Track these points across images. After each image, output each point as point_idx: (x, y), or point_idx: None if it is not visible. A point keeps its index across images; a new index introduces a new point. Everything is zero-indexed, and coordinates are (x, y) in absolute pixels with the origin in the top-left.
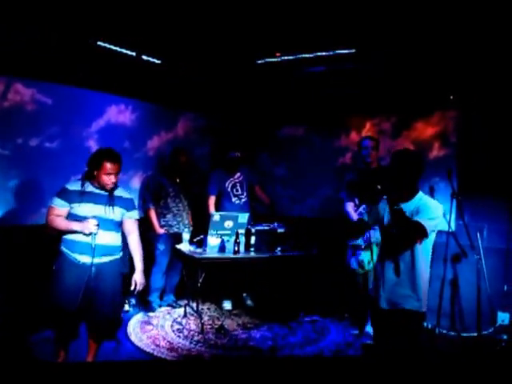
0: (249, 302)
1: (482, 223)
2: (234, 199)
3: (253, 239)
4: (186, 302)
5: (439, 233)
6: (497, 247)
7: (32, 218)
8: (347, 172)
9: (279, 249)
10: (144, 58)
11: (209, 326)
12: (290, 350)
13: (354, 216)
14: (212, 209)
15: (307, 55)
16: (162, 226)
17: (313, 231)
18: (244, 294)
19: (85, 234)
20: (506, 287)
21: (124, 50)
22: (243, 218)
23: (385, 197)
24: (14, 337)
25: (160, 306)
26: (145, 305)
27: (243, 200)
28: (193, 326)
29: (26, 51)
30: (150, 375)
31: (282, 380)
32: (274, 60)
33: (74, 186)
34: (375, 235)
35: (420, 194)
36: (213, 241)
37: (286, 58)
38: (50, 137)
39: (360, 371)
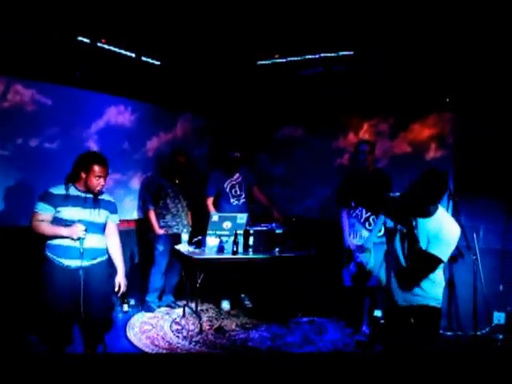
0: (247, 303)
1: (479, 224)
2: (232, 200)
3: (251, 240)
4: (184, 302)
5: None
6: (493, 248)
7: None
8: (344, 178)
9: (277, 249)
10: (143, 59)
11: (207, 327)
12: (288, 349)
13: (347, 227)
14: (212, 209)
15: (306, 57)
16: (161, 227)
17: (311, 232)
18: (242, 295)
19: (72, 239)
20: (501, 287)
21: (123, 51)
22: (242, 218)
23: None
24: (11, 336)
25: (159, 307)
26: (144, 305)
27: (242, 201)
28: (192, 327)
29: (25, 52)
30: (148, 369)
31: (280, 376)
32: (272, 61)
33: (58, 189)
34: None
35: (439, 211)
36: (211, 241)
37: (284, 59)
38: (50, 137)
39: (357, 368)
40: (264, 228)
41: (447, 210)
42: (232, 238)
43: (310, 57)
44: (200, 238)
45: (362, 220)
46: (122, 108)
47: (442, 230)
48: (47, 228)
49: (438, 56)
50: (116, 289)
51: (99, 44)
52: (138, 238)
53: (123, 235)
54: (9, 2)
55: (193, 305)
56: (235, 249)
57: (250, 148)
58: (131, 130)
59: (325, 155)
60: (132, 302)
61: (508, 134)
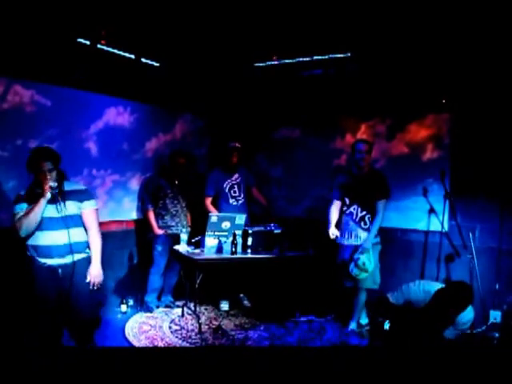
0: (245, 303)
1: (474, 223)
2: (231, 200)
3: (250, 240)
4: (183, 302)
5: (432, 233)
6: (488, 247)
7: None
8: (340, 174)
9: (276, 250)
10: (143, 60)
11: (206, 327)
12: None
13: (333, 218)
14: (211, 208)
15: (303, 59)
16: (160, 227)
17: (309, 232)
18: (241, 295)
19: (51, 204)
20: (497, 286)
21: (123, 53)
22: (240, 219)
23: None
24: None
25: (158, 307)
26: (143, 305)
27: (240, 201)
28: (190, 327)
29: (25, 52)
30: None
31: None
32: (270, 63)
33: (25, 190)
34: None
35: None
36: (210, 242)
37: (282, 61)
38: (49, 138)
39: (354, 364)
40: (262, 228)
41: (443, 209)
42: (231, 239)
43: (307, 58)
44: (199, 238)
45: (357, 219)
46: (121, 109)
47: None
48: (25, 214)
49: (434, 57)
50: (87, 279)
51: (99, 45)
52: (136, 238)
53: (122, 236)
54: (9, 3)
55: (192, 305)
56: (234, 249)
57: (248, 149)
58: (130, 130)
59: (322, 156)
60: (131, 302)
61: (504, 134)
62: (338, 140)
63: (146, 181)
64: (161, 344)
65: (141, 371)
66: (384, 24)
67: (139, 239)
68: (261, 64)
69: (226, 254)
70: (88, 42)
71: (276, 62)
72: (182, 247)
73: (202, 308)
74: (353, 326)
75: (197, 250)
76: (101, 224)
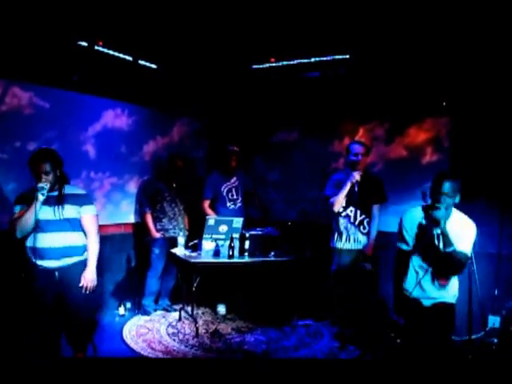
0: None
1: None
2: (229, 204)
3: (247, 244)
4: (181, 305)
5: None
6: (488, 252)
7: None
8: (336, 173)
9: (273, 253)
10: (141, 62)
11: (203, 330)
12: (283, 353)
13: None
14: (208, 211)
15: (301, 61)
16: (157, 230)
17: (306, 235)
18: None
19: (48, 205)
20: (496, 291)
21: (121, 55)
22: (238, 222)
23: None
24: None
25: (155, 310)
26: (140, 309)
27: (238, 205)
28: (188, 330)
29: (23, 55)
30: (145, 373)
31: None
32: (268, 65)
33: (25, 192)
34: None
35: (454, 210)
36: (207, 245)
37: (280, 63)
38: (48, 141)
39: (354, 373)
40: (260, 232)
41: None
42: (228, 242)
43: (305, 61)
44: (196, 241)
45: (356, 223)
46: (119, 111)
47: (463, 228)
48: (21, 215)
49: (433, 60)
50: (81, 283)
51: (97, 47)
52: (134, 241)
53: (119, 239)
54: (7, 5)
55: (189, 308)
56: (231, 253)
57: (245, 152)
58: (128, 133)
59: (320, 159)
60: (128, 305)
61: (504, 137)
62: (336, 143)
63: (143, 184)
64: (158, 347)
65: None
66: (383, 26)
67: (137, 242)
68: (259, 66)
69: (223, 258)
70: (86, 44)
71: (274, 64)
72: (180, 250)
73: (200, 311)
74: None
75: (194, 254)
76: (99, 227)
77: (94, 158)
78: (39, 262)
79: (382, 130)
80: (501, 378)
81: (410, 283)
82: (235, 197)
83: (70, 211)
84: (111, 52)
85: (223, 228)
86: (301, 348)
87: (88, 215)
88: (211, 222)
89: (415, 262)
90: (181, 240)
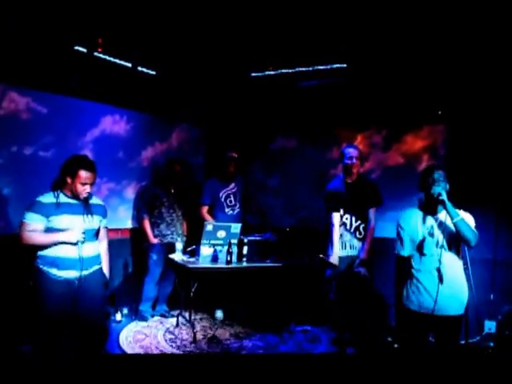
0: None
1: None
2: (227, 210)
3: (245, 249)
4: (178, 311)
5: None
6: (483, 257)
7: None
8: (331, 181)
9: (271, 259)
10: (139, 69)
11: (201, 336)
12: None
13: (338, 237)
14: (207, 217)
15: (300, 69)
16: (155, 236)
17: (304, 241)
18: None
19: (71, 244)
20: (492, 296)
21: (120, 61)
22: (236, 228)
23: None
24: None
25: (152, 316)
26: (137, 314)
27: (236, 211)
28: (185, 336)
29: (21, 60)
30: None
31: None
32: (267, 73)
33: (47, 198)
34: None
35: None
36: (205, 250)
37: (279, 71)
38: (45, 146)
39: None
40: (258, 238)
41: None
42: (226, 248)
43: (303, 69)
44: (194, 247)
45: (352, 229)
46: (117, 117)
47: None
48: (40, 237)
49: (430, 69)
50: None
51: (95, 53)
52: (132, 247)
53: (117, 244)
54: (6, 10)
55: (186, 314)
56: (229, 258)
57: (244, 158)
58: (126, 139)
59: (319, 166)
60: (125, 310)
61: (499, 145)
62: (334, 150)
63: (141, 189)
64: (155, 353)
65: (136, 379)
66: (380, 35)
67: (134, 248)
68: (257, 74)
69: (221, 263)
70: (85, 50)
71: (272, 73)
72: (177, 256)
73: (197, 317)
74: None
75: (192, 259)
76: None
77: None
78: (59, 273)
79: (379, 137)
80: (497, 382)
81: (416, 295)
82: (233, 203)
83: (96, 221)
84: (110, 58)
85: (221, 234)
86: (299, 353)
87: (105, 227)
88: (209, 227)
89: (418, 270)
90: (179, 245)
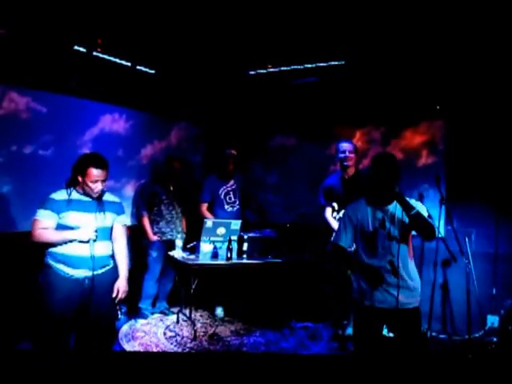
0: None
1: (471, 228)
2: (226, 206)
3: (245, 246)
4: (178, 308)
5: None
6: (485, 251)
7: (24, 224)
8: (327, 177)
9: (271, 255)
10: (138, 68)
11: (202, 333)
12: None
13: (333, 223)
14: (207, 214)
15: (298, 66)
16: (155, 233)
17: (304, 238)
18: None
19: (82, 242)
20: (494, 290)
21: (119, 60)
22: (236, 224)
23: (364, 199)
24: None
25: (152, 313)
26: (137, 312)
27: (236, 208)
28: (185, 333)
29: (20, 60)
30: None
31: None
32: (265, 71)
33: (59, 195)
34: None
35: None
36: (205, 247)
37: (277, 69)
38: (44, 145)
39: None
40: (258, 234)
41: (439, 215)
42: (226, 244)
43: (301, 66)
44: (194, 244)
45: None
46: (116, 116)
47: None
48: (53, 234)
49: (427, 65)
50: (114, 294)
51: (95, 53)
52: (131, 244)
53: None
54: (6, 10)
55: (187, 311)
56: (229, 255)
57: (243, 156)
58: (126, 137)
59: (318, 163)
60: (125, 308)
61: (498, 139)
62: (333, 147)
63: (140, 187)
64: (155, 350)
65: (137, 376)
66: (378, 32)
67: (134, 245)
68: (256, 71)
69: (222, 260)
70: (84, 50)
71: (271, 70)
72: (177, 253)
73: (198, 314)
74: (350, 331)
75: (192, 256)
76: None
77: None
78: (69, 271)
79: (378, 133)
80: (501, 376)
81: (368, 289)
82: (233, 200)
83: (109, 218)
84: (109, 57)
85: (221, 230)
86: (300, 350)
87: (123, 225)
88: (209, 224)
89: (370, 263)
90: (178, 242)
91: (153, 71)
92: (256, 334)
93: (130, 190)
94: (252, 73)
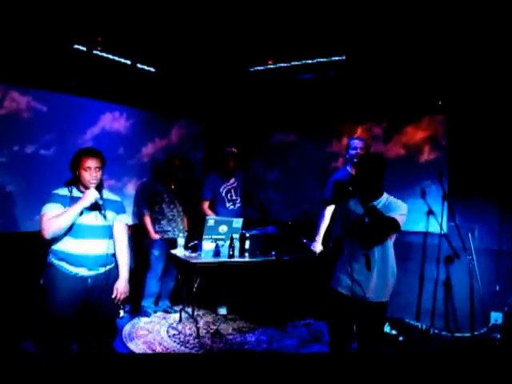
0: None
1: (473, 224)
2: (228, 204)
3: (247, 243)
4: (181, 307)
5: (431, 235)
6: (488, 248)
7: (26, 224)
8: (337, 172)
9: (273, 253)
10: (139, 66)
11: (204, 331)
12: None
13: (324, 225)
14: (208, 212)
15: (299, 63)
16: (156, 232)
17: (306, 235)
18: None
19: (93, 210)
20: (498, 287)
21: (118, 59)
22: (238, 222)
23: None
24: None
25: (155, 312)
26: (140, 310)
27: (237, 205)
28: (188, 331)
29: (21, 59)
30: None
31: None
32: (266, 68)
33: (62, 191)
34: None
35: (385, 194)
36: (207, 245)
37: (278, 65)
38: (46, 144)
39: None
40: (260, 232)
41: (442, 210)
42: (228, 242)
43: (301, 62)
44: (196, 242)
45: None
46: (117, 114)
47: (391, 202)
48: (61, 217)
49: (429, 60)
50: (113, 295)
51: (95, 51)
52: (133, 243)
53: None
54: (5, 9)
55: (189, 309)
56: (231, 253)
57: (244, 153)
58: (126, 136)
59: (319, 159)
60: (127, 307)
61: (501, 134)
62: (334, 143)
63: (142, 186)
64: (158, 349)
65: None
66: (379, 28)
67: (136, 244)
68: (256, 68)
69: (224, 258)
70: (84, 48)
71: (271, 67)
72: (180, 251)
73: (200, 312)
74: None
75: (194, 254)
76: None
77: None
78: (73, 270)
79: (379, 129)
80: (504, 374)
81: (345, 278)
82: (234, 197)
83: (109, 217)
84: (109, 56)
85: (223, 228)
86: (302, 347)
87: (123, 224)
88: (211, 222)
89: (350, 252)
90: (180, 241)
91: (153, 69)
92: (258, 331)
93: (131, 189)
94: (252, 69)
